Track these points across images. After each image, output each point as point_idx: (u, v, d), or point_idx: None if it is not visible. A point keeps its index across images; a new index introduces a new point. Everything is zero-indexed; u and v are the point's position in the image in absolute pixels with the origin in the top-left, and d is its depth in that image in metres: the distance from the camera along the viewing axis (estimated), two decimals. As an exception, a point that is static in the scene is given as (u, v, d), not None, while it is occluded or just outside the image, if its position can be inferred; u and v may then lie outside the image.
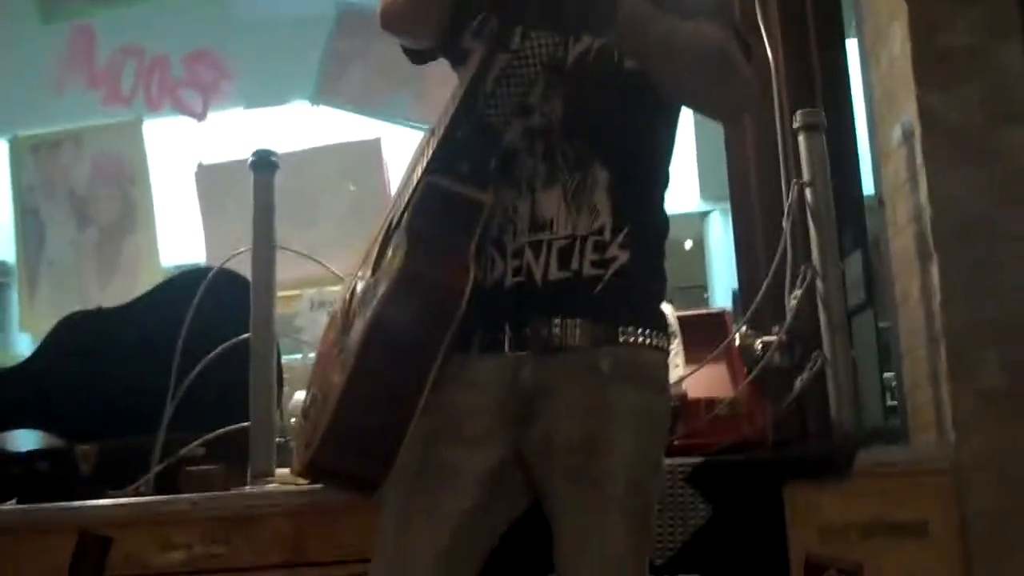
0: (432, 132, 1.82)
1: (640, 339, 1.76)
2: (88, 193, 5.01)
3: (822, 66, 3.14)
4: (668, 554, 2.31)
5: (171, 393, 2.76)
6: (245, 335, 2.73)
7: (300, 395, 2.68)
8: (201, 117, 4.94)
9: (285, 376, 2.98)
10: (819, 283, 2.64)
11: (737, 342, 2.71)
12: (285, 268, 2.88)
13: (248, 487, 2.61)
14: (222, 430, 2.80)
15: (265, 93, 5.08)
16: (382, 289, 1.66)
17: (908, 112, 2.57)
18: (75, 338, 3.38)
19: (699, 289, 6.65)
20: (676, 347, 2.59)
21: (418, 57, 2.03)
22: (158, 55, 4.99)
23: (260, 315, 2.73)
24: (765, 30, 3.14)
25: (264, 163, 2.80)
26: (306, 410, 1.93)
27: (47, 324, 3.54)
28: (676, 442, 2.44)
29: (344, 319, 1.87)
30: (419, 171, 1.79)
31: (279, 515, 2.50)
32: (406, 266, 1.66)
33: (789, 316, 2.66)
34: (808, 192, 2.69)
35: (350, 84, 4.78)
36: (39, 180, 5.10)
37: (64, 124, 5.14)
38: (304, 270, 3.17)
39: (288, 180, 2.90)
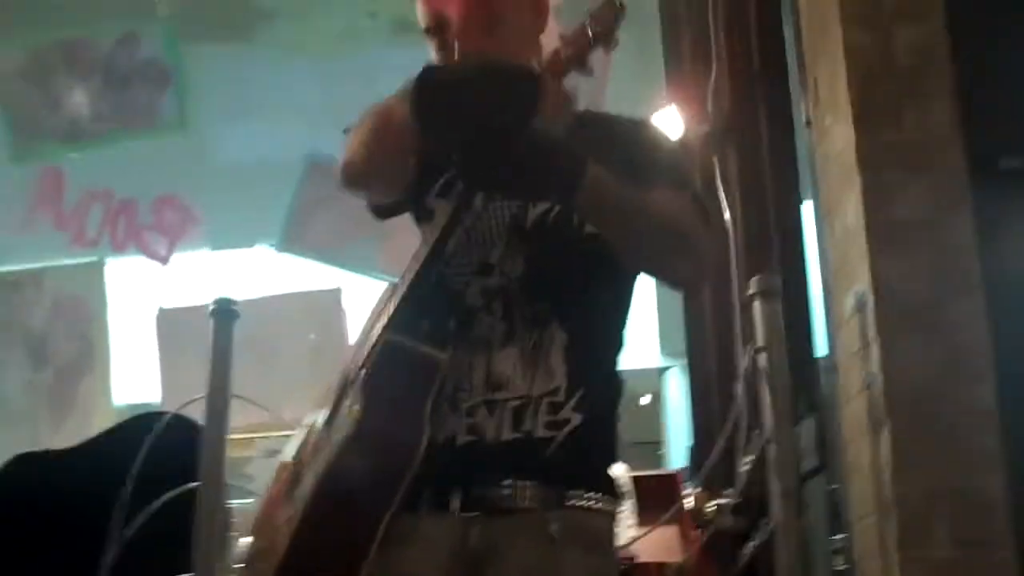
0: (394, 287, 1.83)
1: (590, 503, 1.74)
2: (46, 333, 4.98)
3: (779, 229, 3.20)
4: None
5: (116, 538, 2.71)
6: (194, 484, 2.69)
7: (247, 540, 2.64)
8: (165, 261, 4.97)
9: (233, 521, 2.94)
10: (771, 449, 2.64)
11: (690, 503, 2.69)
12: (240, 413, 2.86)
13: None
14: (165, 580, 2.74)
15: (231, 236, 5.12)
16: (336, 442, 1.66)
17: (861, 281, 2.62)
18: (22, 480, 3.32)
19: (655, 445, 6.64)
20: (628, 508, 2.57)
21: (381, 213, 2.05)
22: (125, 199, 5.03)
23: (210, 466, 2.69)
24: (724, 190, 3.21)
25: (224, 311, 2.80)
26: (250, 560, 1.90)
27: (-4, 465, 3.48)
28: (627, 606, 2.40)
29: (294, 469, 1.85)
30: (379, 327, 1.79)
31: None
32: (362, 421, 1.66)
33: (741, 480, 2.65)
34: (762, 357, 2.71)
35: (315, 233, 4.83)
36: (-3, 319, 5.08)
37: (27, 263, 5.14)
38: (259, 416, 3.15)
39: (248, 326, 2.90)
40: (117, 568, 2.71)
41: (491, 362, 1.77)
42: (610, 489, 1.80)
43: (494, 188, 1.74)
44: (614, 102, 3.88)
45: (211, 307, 2.81)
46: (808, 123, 3.07)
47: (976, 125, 2.70)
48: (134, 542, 2.73)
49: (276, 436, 3.60)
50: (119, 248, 5.01)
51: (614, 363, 1.89)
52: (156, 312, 4.70)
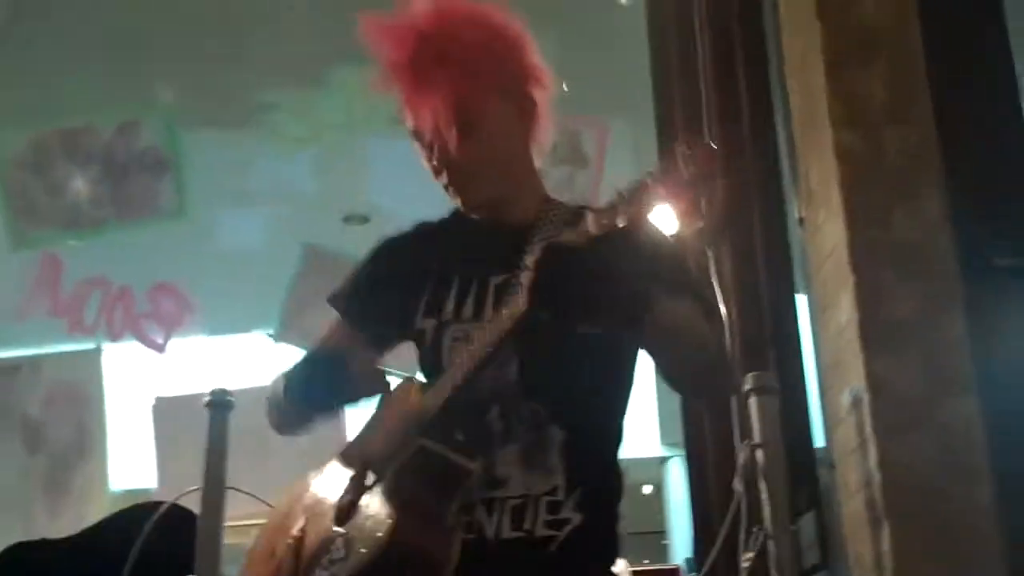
0: (410, 382, 1.84)
1: (592, 603, 1.75)
2: (42, 419, 4.97)
3: (774, 324, 3.22)
4: None
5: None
6: (190, 575, 2.68)
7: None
8: (162, 349, 4.98)
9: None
10: (771, 546, 2.64)
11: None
12: (237, 502, 2.87)
13: None
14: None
15: (228, 323, 5.14)
16: (366, 550, 1.67)
17: (856, 378, 2.63)
18: (18, 569, 3.30)
19: (659, 535, 6.59)
20: (629, 604, 2.56)
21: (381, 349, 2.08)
22: (123, 287, 5.05)
23: (206, 557, 2.69)
24: (718, 285, 3.24)
25: (220, 403, 2.82)
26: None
27: (-10, 554, 3.46)
28: None
29: (295, 565, 1.85)
30: (398, 426, 1.80)
31: None
32: (394, 535, 1.67)
33: (743, 577, 2.65)
34: (760, 453, 2.72)
35: (312, 323, 4.83)
36: (-7, 405, 5.07)
37: (23, 350, 5.15)
38: (256, 505, 3.14)
39: (245, 416, 2.91)
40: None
41: (491, 461, 1.79)
42: (612, 587, 1.80)
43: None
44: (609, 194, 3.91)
45: (207, 398, 2.83)
46: (801, 221, 3.11)
47: (968, 223, 2.73)
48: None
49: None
50: (116, 336, 5.01)
51: (613, 456, 1.90)
52: (152, 400, 4.69)
